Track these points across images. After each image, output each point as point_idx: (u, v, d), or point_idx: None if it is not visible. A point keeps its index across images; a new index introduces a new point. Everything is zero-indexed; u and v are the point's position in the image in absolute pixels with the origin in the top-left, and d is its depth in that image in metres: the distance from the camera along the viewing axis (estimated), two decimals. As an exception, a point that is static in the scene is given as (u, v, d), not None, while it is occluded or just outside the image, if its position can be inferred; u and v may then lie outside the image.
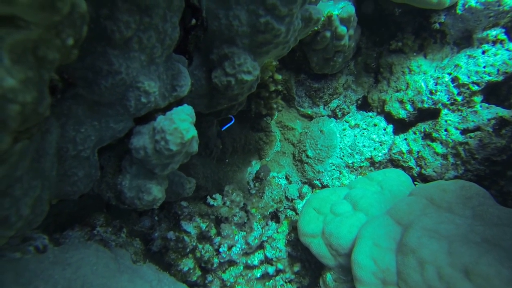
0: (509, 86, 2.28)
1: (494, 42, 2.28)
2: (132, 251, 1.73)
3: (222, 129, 2.45)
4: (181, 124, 1.25)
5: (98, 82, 1.16)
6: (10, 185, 0.93)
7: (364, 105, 3.15)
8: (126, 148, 1.55)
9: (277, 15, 1.41)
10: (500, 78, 2.25)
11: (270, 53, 1.66)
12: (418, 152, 2.62)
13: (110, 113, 1.32)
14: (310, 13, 1.59)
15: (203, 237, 2.31)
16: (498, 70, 2.24)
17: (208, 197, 2.53)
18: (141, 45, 1.18)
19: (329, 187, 2.79)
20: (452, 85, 2.41)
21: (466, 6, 2.29)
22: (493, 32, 2.26)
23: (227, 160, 2.93)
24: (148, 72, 1.30)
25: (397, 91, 2.83)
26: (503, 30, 2.25)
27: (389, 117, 2.87)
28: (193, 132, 1.28)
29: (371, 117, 2.96)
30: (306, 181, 2.91)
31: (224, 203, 2.44)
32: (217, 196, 2.51)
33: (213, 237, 2.31)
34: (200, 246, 2.16)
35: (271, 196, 2.62)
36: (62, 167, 1.30)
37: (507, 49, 2.23)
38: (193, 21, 1.77)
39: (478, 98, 2.34)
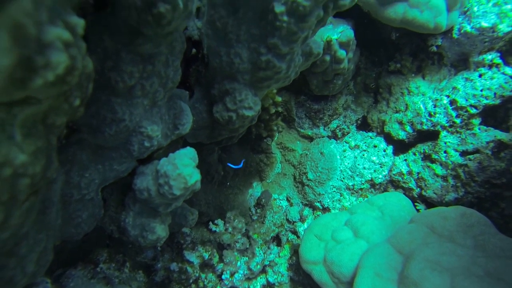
0: (506, 109, 2.30)
1: (490, 66, 2.31)
2: (135, 286, 1.72)
3: (231, 166, 2.48)
4: (184, 170, 1.25)
5: (102, 130, 1.17)
6: (16, 244, 0.93)
7: (364, 125, 3.16)
8: (128, 182, 1.56)
9: (278, 53, 1.43)
10: (497, 102, 2.27)
11: (271, 86, 1.67)
12: (418, 173, 2.64)
13: (114, 156, 1.33)
14: (310, 48, 1.61)
15: (205, 265, 2.31)
16: (495, 93, 2.26)
17: (210, 223, 2.53)
18: (143, 92, 1.20)
19: (330, 209, 2.79)
20: (451, 107, 2.43)
21: (462, 31, 2.31)
22: (489, 56, 2.29)
23: (228, 183, 2.93)
24: (150, 116, 1.31)
25: (397, 112, 2.85)
26: (498, 55, 2.28)
27: (388, 138, 2.89)
28: (197, 176, 1.29)
29: (371, 137, 2.97)
30: (307, 203, 2.91)
31: (226, 229, 2.44)
32: (219, 222, 2.51)
33: (215, 264, 2.31)
34: (203, 275, 2.15)
35: (272, 221, 2.62)
36: (66, 211, 1.30)
37: (502, 73, 2.25)
38: (194, 50, 1.79)
39: (476, 121, 2.36)
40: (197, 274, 2.10)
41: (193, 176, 1.28)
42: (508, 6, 2.14)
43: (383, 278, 1.79)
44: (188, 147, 1.36)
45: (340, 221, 2.31)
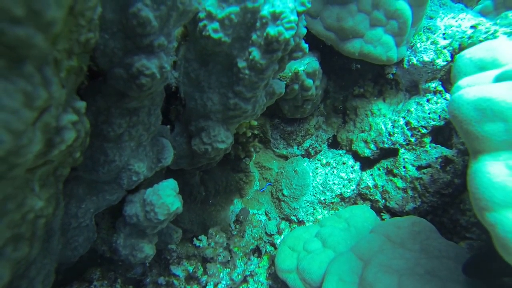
0: (449, 129, 2.62)
1: (434, 92, 2.63)
2: (127, 300, 1.96)
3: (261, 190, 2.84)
4: (167, 199, 1.51)
5: (96, 169, 1.42)
6: (27, 268, 1.18)
7: (334, 143, 3.46)
8: (117, 207, 1.81)
9: (243, 98, 1.71)
10: (442, 123, 2.59)
11: (241, 121, 1.95)
12: (382, 186, 2.93)
13: (107, 189, 1.58)
14: (273, 89, 1.89)
15: (191, 277, 2.55)
16: (439, 116, 2.58)
17: (195, 238, 2.77)
18: (130, 137, 1.46)
19: (304, 222, 3.06)
20: (406, 128, 2.73)
21: (410, 63, 2.64)
22: (433, 84, 2.62)
23: (211, 201, 3.18)
24: (137, 154, 1.57)
25: (362, 131, 3.15)
26: (440, 83, 2.61)
27: (356, 155, 3.18)
28: (177, 204, 1.55)
29: (340, 155, 3.26)
30: (284, 217, 3.18)
31: (209, 244, 2.69)
32: (202, 237, 2.75)
33: (200, 276, 2.55)
34: (188, 287, 2.39)
35: (251, 235, 2.88)
36: (65, 237, 1.55)
37: (444, 98, 2.58)
38: (173, 88, 2.06)
39: (427, 139, 2.67)
40: (182, 286, 2.34)
41: (175, 204, 1.54)
42: (444, 42, 2.47)
43: (346, 282, 2.06)
44: (170, 179, 1.62)
45: (311, 233, 2.58)
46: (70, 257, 1.58)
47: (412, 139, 2.72)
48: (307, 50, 1.67)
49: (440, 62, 2.49)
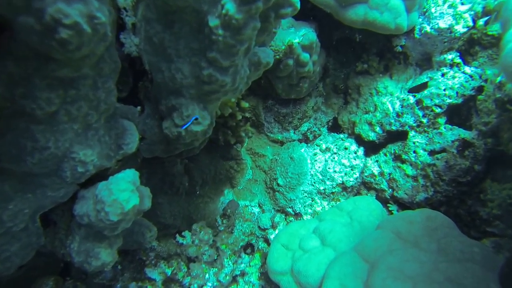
0: (468, 107, 2.28)
1: (451, 65, 2.28)
2: (89, 312, 1.65)
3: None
4: (120, 195, 1.19)
5: (24, 159, 1.09)
6: None
7: (335, 127, 3.12)
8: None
9: (219, 67, 1.36)
10: (460, 100, 2.24)
11: (221, 99, 1.61)
12: (389, 174, 2.60)
13: (46, 183, 1.25)
14: (259, 58, 1.55)
15: (171, 280, 2.24)
16: (457, 92, 2.23)
17: (177, 235, 2.46)
18: (70, 117, 1.12)
19: (301, 215, 2.75)
20: (417, 107, 2.39)
21: (423, 32, 2.28)
22: (449, 56, 2.26)
23: (198, 192, 2.86)
24: (85, 139, 1.23)
25: (366, 112, 2.81)
26: (458, 54, 2.25)
27: (359, 139, 2.85)
28: (134, 201, 1.22)
29: (342, 139, 2.92)
30: (279, 209, 2.86)
31: (193, 242, 2.38)
32: (187, 233, 2.45)
33: (181, 279, 2.24)
34: (167, 293, 2.09)
35: (241, 230, 2.57)
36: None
37: (463, 72, 2.23)
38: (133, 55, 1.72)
39: (442, 120, 2.33)
40: (159, 293, 2.04)
41: (130, 201, 1.21)
42: (463, 8, 2.11)
43: (348, 288, 1.75)
44: (127, 170, 1.29)
45: (308, 229, 2.26)
46: (1, 270, 1.26)
47: (424, 120, 2.38)
48: (298, 4, 1.32)
49: (459, 28, 2.13)
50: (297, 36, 2.47)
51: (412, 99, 2.43)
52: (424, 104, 2.34)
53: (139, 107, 1.84)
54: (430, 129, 2.37)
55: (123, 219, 1.24)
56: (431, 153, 2.35)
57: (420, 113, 2.38)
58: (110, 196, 1.18)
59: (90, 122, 1.22)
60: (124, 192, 1.20)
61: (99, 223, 1.28)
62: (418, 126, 2.42)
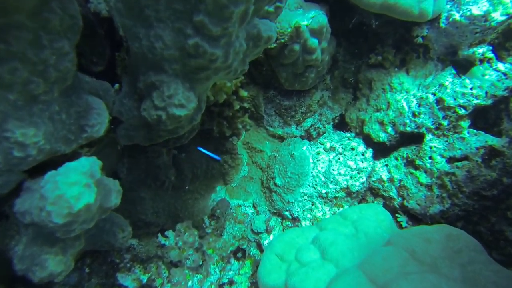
0: (498, 110, 1.99)
1: (481, 61, 1.99)
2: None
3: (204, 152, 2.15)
4: (68, 190, 0.91)
5: None
6: None
7: (341, 124, 2.84)
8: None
9: (208, 36, 1.08)
10: (489, 102, 1.96)
11: (211, 78, 1.32)
12: (400, 180, 2.32)
13: (-24, 170, 0.97)
14: (258, 30, 1.27)
15: (147, 287, 1.97)
16: (486, 92, 1.95)
17: (159, 234, 2.19)
18: (1, 81, 0.84)
19: (300, 219, 2.47)
20: (437, 107, 2.11)
21: (450, 20, 1.99)
22: (480, 50, 1.97)
23: (187, 187, 2.58)
24: (27, 115, 0.95)
25: (377, 110, 2.53)
26: (490, 48, 1.96)
27: (368, 140, 2.56)
28: (87, 198, 0.94)
29: (348, 138, 2.64)
30: (275, 211, 2.59)
31: (176, 244, 2.10)
32: (170, 233, 2.18)
33: (159, 286, 1.97)
34: (140, 302, 1.82)
35: (232, 233, 2.29)
36: None
37: (495, 69, 1.94)
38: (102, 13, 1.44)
39: (465, 123, 2.05)
40: (129, 304, 1.76)
41: (82, 199, 0.93)
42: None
43: (350, 315, 1.48)
44: (82, 158, 1.01)
45: (306, 238, 1.98)
46: None
47: (444, 122, 2.09)
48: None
49: (496, 16, 1.84)
50: (305, 18, 2.18)
51: (431, 98, 2.15)
52: (445, 104, 2.05)
53: (117, 85, 1.56)
54: (451, 133, 2.08)
55: (72, 220, 0.96)
56: (450, 160, 2.07)
57: (440, 114, 2.10)
58: (54, 191, 0.90)
59: (35, 93, 0.94)
60: (74, 187, 0.92)
61: (43, 224, 1.00)
62: (436, 128, 2.14)
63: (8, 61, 0.82)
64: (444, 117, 2.08)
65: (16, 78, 0.86)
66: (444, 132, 2.10)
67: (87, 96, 1.19)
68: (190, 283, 2.10)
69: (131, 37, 1.19)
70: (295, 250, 1.91)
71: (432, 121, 2.14)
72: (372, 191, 2.50)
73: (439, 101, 2.10)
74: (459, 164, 2.01)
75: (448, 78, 2.08)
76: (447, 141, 2.09)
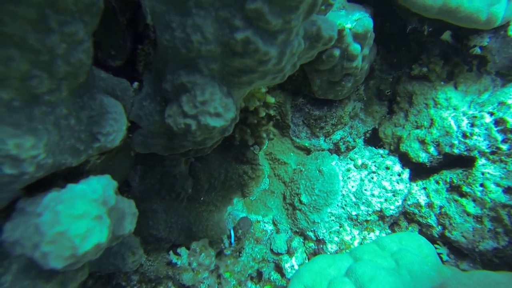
0: None
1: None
2: None
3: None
4: (72, 226, 0.68)
5: None
6: None
7: (373, 139, 2.59)
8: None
9: (264, 30, 0.84)
10: None
11: (254, 83, 1.09)
12: (441, 207, 2.07)
13: (-44, 187, 0.74)
14: (318, 29, 1.03)
15: (156, 314, 1.73)
16: (561, 116, 1.69)
17: (171, 252, 1.96)
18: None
19: (325, 242, 2.22)
20: (495, 128, 1.85)
21: (524, 29, 1.74)
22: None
23: (202, 199, 2.35)
24: (25, 120, 0.72)
25: (418, 127, 2.27)
26: None
27: (405, 159, 2.31)
28: (98, 236, 0.71)
29: (382, 156, 2.39)
30: (298, 230, 2.34)
31: (190, 264, 1.86)
32: (183, 251, 1.94)
33: (169, 314, 1.73)
34: (147, 335, 1.58)
35: (251, 254, 2.05)
36: None
37: None
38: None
39: (529, 149, 1.79)
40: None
41: (90, 237, 0.70)
42: None
43: None
44: (92, 179, 0.78)
45: (339, 268, 1.74)
46: None
47: (504, 146, 1.83)
48: None
49: None
50: (349, 20, 1.94)
51: (488, 118, 1.89)
52: (508, 126, 1.80)
53: (136, 83, 1.33)
54: (511, 159, 1.82)
55: (76, 262, 0.73)
56: (509, 190, 1.81)
57: (500, 137, 1.84)
58: (54, 226, 0.67)
59: (38, 92, 0.71)
60: (81, 221, 0.69)
61: (38, 264, 0.77)
62: (492, 153, 1.88)
63: (4, 47, 0.59)
64: (504, 141, 1.82)
65: (11, 70, 0.62)
66: (502, 157, 1.84)
67: (102, 97, 0.96)
68: (202, 310, 1.86)
69: (162, 27, 0.95)
70: (327, 283, 1.66)
71: (488, 144, 1.88)
72: (407, 216, 2.25)
73: (498, 122, 1.84)
74: (519, 195, 1.75)
75: (511, 95, 1.82)
76: (505, 168, 1.83)
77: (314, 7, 0.83)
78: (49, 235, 0.66)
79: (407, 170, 2.29)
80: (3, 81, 0.63)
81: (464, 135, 1.98)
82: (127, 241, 1.45)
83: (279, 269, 2.20)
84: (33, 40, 0.62)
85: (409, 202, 2.20)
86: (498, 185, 1.83)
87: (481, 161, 1.91)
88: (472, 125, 1.95)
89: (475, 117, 1.95)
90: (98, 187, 0.75)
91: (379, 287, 1.53)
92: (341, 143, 2.53)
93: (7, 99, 0.66)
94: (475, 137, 1.93)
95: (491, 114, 1.88)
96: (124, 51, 1.28)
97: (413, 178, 2.31)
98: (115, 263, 1.42)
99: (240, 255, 2.05)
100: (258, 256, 2.08)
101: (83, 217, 0.69)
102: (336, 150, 2.55)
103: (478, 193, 1.90)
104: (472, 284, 1.35)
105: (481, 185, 1.90)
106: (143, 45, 1.21)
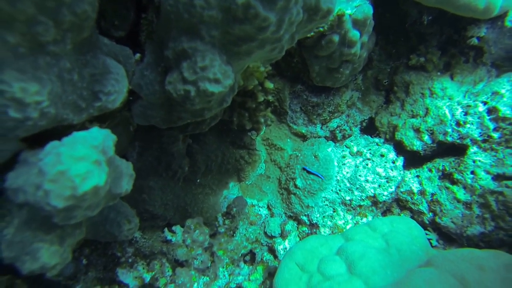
0: None
1: (551, 69, 1.77)
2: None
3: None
4: (73, 166, 0.70)
5: None
6: None
7: (369, 128, 2.63)
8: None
9: (263, -5, 0.87)
10: (554, 116, 1.74)
11: (253, 54, 1.12)
12: (432, 194, 2.11)
13: (-38, 131, 0.77)
14: (317, 0, 1.06)
15: (149, 286, 1.76)
16: (552, 105, 1.73)
17: (166, 229, 1.99)
18: None
19: (319, 226, 2.26)
20: (488, 117, 1.89)
21: (520, 18, 1.78)
22: (553, 56, 1.76)
23: (198, 180, 2.38)
24: (30, 67, 0.75)
25: (413, 116, 2.31)
26: None
27: (399, 147, 2.35)
28: (97, 179, 0.73)
29: (377, 144, 2.43)
30: (292, 215, 2.37)
31: (184, 241, 1.90)
32: (177, 228, 1.97)
33: (162, 286, 1.77)
34: (140, 304, 1.61)
35: (245, 235, 2.09)
36: None
37: None
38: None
39: (520, 138, 1.83)
40: (129, 305, 1.55)
41: (89, 178, 0.73)
42: None
43: None
44: (94, 128, 0.81)
45: (331, 247, 1.77)
46: None
47: (495, 135, 1.87)
48: None
49: None
50: (349, 6, 1.97)
51: (481, 106, 1.93)
52: (499, 115, 1.83)
53: (138, 54, 1.36)
54: (501, 147, 1.86)
55: (75, 205, 0.76)
56: (498, 177, 1.85)
57: (491, 125, 1.88)
58: (56, 166, 0.70)
59: (44, 40, 0.73)
60: (81, 163, 0.72)
61: (39, 206, 0.80)
62: (484, 141, 1.92)
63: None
64: (495, 129, 1.86)
65: (18, 12, 0.65)
66: (493, 145, 1.88)
67: (105, 57, 0.99)
68: (195, 285, 1.89)
69: (165, -8, 0.98)
70: (318, 261, 1.70)
71: (480, 132, 1.92)
72: (399, 203, 2.29)
73: (491, 111, 1.88)
74: (509, 183, 1.79)
75: (505, 85, 1.86)
76: (495, 156, 1.87)
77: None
78: (51, 173, 0.69)
79: (401, 158, 2.33)
80: (9, 24, 0.66)
81: (458, 124, 2.01)
82: (123, 210, 1.48)
83: (272, 251, 2.23)
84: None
85: (402, 189, 2.24)
86: (488, 172, 1.87)
87: (473, 149, 1.95)
88: (466, 113, 1.99)
89: (469, 106, 1.99)
90: (99, 136, 0.78)
91: (368, 264, 1.56)
92: (337, 131, 2.56)
93: (13, 43, 0.69)
94: (468, 125, 1.96)
95: (485, 103, 1.92)
96: (128, 21, 1.31)
97: (407, 166, 2.35)
98: (111, 231, 1.45)
99: (234, 234, 2.08)
100: (252, 237, 2.12)
101: (83, 159, 0.72)
102: (333, 137, 2.58)
103: (469, 180, 1.94)
104: (456, 259, 1.39)
105: (472, 172, 1.94)
106: (147, 14, 1.24)
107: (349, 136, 2.61)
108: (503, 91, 1.85)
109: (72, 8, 0.73)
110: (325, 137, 2.57)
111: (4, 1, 0.62)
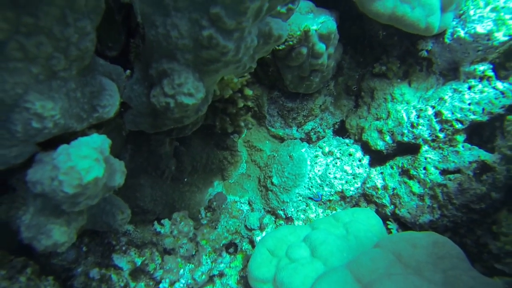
0: (493, 127, 2.06)
1: (481, 78, 2.05)
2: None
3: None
4: (79, 162, 0.96)
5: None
6: None
7: (341, 130, 2.90)
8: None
9: (223, 29, 1.14)
10: (485, 118, 2.02)
11: (220, 71, 1.38)
12: (393, 189, 2.38)
13: (-6, 137, 1.03)
14: (270, 28, 1.33)
15: (140, 271, 2.02)
16: (483, 109, 2.01)
17: (155, 222, 2.24)
18: (26, 54, 0.90)
19: (293, 219, 2.52)
20: (435, 120, 2.17)
21: (455, 36, 2.05)
22: (481, 67, 2.03)
23: (185, 179, 2.64)
24: (46, 89, 1.01)
25: (377, 119, 2.59)
26: (491, 67, 2.02)
27: (366, 147, 2.62)
28: (97, 172, 0.99)
29: (347, 144, 2.70)
30: (270, 210, 2.64)
31: (171, 232, 2.15)
32: (166, 222, 2.23)
33: (152, 271, 2.02)
34: (132, 284, 1.86)
35: (226, 227, 2.34)
36: None
37: (493, 87, 2.00)
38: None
39: (460, 137, 2.11)
40: (122, 284, 1.80)
41: (91, 171, 0.98)
42: (508, 16, 1.87)
43: (335, 310, 1.53)
44: (94, 135, 1.07)
45: (298, 236, 2.04)
46: None
47: (441, 135, 2.16)
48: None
49: (499, 36, 1.90)
50: (315, 23, 2.25)
51: (430, 110, 2.21)
52: (443, 117, 2.12)
53: (128, 71, 1.62)
54: (446, 145, 2.15)
55: (81, 192, 1.02)
56: (444, 172, 2.13)
57: (438, 127, 2.16)
58: (67, 162, 0.95)
59: (56, 69, 0.99)
60: (85, 160, 0.97)
61: (54, 194, 1.05)
62: (433, 140, 2.20)
63: (35, 35, 0.88)
64: (441, 130, 2.14)
65: (41, 52, 0.91)
66: (440, 144, 2.16)
67: (101, 77, 1.25)
68: (181, 271, 2.14)
69: (149, 25, 1.24)
70: (286, 247, 1.96)
71: (430, 133, 2.20)
72: (366, 197, 2.56)
73: (437, 114, 2.16)
74: (451, 176, 2.07)
75: (448, 92, 2.15)
76: (442, 153, 2.15)
77: (260, 12, 1.13)
78: (63, 168, 0.95)
79: (367, 157, 2.60)
80: (34, 60, 0.92)
81: (412, 125, 2.29)
82: (117, 203, 1.74)
83: (251, 241, 2.49)
84: (56, 31, 0.91)
85: (368, 185, 2.51)
86: (436, 168, 2.15)
87: (424, 147, 2.23)
88: (418, 116, 2.27)
89: (421, 109, 2.27)
90: (98, 140, 1.04)
91: (327, 248, 1.83)
92: (312, 133, 2.83)
93: (35, 73, 0.95)
94: (420, 127, 2.24)
95: (433, 107, 2.20)
96: (119, 43, 1.57)
97: (373, 164, 2.62)
98: (107, 220, 1.70)
99: (216, 227, 2.34)
100: (232, 228, 2.37)
101: (86, 157, 0.98)
102: (308, 139, 2.86)
103: (422, 175, 2.22)
104: (397, 240, 1.66)
105: (424, 168, 2.21)
106: (135, 39, 1.50)
107: (323, 137, 2.88)
108: (446, 97, 2.13)
109: (77, 46, 0.99)
110: (301, 139, 2.84)
111: (32, 45, 0.87)
